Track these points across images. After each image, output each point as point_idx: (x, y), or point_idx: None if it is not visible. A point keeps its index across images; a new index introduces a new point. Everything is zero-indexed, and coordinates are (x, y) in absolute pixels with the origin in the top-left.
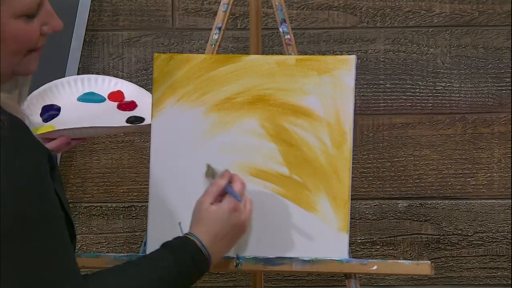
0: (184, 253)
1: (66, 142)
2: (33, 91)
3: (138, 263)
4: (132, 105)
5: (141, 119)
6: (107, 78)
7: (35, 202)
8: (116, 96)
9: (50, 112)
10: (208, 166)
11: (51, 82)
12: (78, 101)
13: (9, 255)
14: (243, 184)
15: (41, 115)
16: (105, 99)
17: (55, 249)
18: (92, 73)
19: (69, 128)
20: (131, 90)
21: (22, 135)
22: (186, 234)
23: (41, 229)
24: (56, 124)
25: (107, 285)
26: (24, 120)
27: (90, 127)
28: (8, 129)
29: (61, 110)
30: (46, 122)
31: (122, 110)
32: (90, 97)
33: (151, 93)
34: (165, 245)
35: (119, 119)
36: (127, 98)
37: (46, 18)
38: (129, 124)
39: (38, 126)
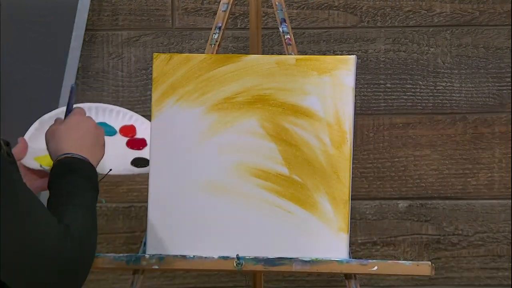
0: (81, 170)
1: None
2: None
3: (71, 201)
4: (141, 143)
5: (146, 162)
6: (122, 110)
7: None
8: (128, 130)
9: None
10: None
11: (64, 107)
12: None
13: None
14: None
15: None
16: (116, 132)
17: (31, 204)
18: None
19: None
20: (145, 128)
21: None
22: (61, 156)
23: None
24: None
25: (75, 220)
26: None
27: None
28: None
29: None
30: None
31: (130, 147)
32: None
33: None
34: (69, 172)
35: (125, 158)
36: (139, 134)
37: None
38: (132, 167)
39: (40, 154)
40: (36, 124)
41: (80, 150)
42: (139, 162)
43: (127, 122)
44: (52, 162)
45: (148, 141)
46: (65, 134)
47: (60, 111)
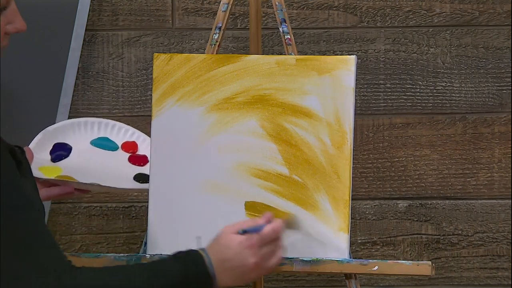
0: (192, 264)
1: (70, 191)
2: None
3: (142, 266)
4: (143, 160)
5: (148, 178)
6: (124, 127)
7: (4, 195)
8: (130, 146)
9: (60, 151)
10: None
11: (68, 120)
12: (91, 144)
13: None
14: (275, 232)
15: (51, 152)
16: (118, 147)
17: (33, 236)
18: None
19: (74, 182)
20: (146, 145)
21: None
22: (199, 249)
23: (14, 219)
24: (63, 166)
25: (96, 279)
26: None
27: (96, 184)
28: None
29: (72, 151)
30: (54, 162)
31: (132, 163)
32: (103, 143)
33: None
34: (176, 254)
35: (126, 174)
36: (140, 151)
37: (12, 17)
38: (135, 183)
39: (45, 164)
40: (39, 136)
41: (219, 268)
42: (141, 178)
43: (128, 138)
44: (56, 173)
45: (149, 158)
46: (225, 248)
47: (68, 123)
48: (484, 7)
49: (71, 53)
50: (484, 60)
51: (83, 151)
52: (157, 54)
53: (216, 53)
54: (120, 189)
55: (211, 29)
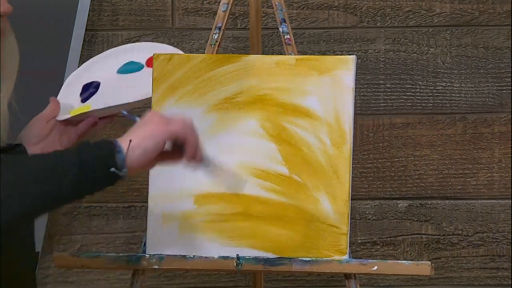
0: (91, 146)
1: (93, 121)
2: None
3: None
4: None
5: None
6: (144, 45)
7: None
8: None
9: (88, 90)
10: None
11: (90, 59)
12: (118, 73)
13: None
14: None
15: (80, 94)
16: (143, 66)
17: None
18: None
19: (89, 111)
20: (169, 50)
21: None
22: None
23: None
24: (92, 103)
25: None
26: None
27: (113, 106)
28: None
29: (100, 85)
30: (83, 102)
31: None
32: (129, 67)
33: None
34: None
35: (149, 84)
36: None
37: None
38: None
39: (75, 107)
40: (65, 82)
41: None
42: None
43: (149, 54)
44: (83, 111)
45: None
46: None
47: (90, 61)
48: (484, 7)
49: (71, 53)
50: (484, 60)
51: (111, 81)
52: (157, 54)
53: (216, 53)
54: (138, 101)
55: (211, 29)
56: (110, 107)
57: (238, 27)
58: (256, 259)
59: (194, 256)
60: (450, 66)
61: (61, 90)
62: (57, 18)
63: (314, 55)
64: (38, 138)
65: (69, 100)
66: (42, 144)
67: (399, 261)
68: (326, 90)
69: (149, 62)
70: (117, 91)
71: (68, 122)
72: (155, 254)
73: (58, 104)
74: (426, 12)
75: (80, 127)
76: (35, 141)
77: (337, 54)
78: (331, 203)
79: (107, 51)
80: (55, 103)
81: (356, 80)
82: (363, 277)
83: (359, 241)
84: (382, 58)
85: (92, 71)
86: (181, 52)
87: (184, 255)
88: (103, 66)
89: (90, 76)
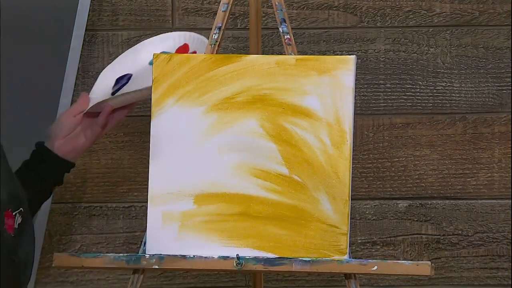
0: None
1: (107, 110)
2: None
3: None
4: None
5: None
6: (173, 35)
7: None
8: (182, 50)
9: (120, 83)
10: None
11: (124, 52)
12: (149, 64)
13: None
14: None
15: (113, 87)
16: None
17: None
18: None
19: (102, 101)
20: (198, 41)
21: None
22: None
23: None
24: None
25: None
26: None
27: (125, 93)
28: None
29: (132, 77)
30: (113, 95)
31: None
32: None
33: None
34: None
35: None
36: (191, 49)
37: None
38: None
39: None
40: (98, 80)
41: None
42: None
43: (178, 43)
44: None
45: (192, 49)
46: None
47: (123, 54)
48: (484, 7)
49: (71, 53)
50: (484, 60)
51: (143, 71)
52: (157, 54)
53: (216, 53)
54: (140, 90)
55: (211, 29)
56: (123, 94)
57: (238, 27)
58: (256, 259)
59: (194, 256)
60: (450, 66)
61: (94, 84)
62: (57, 18)
63: (314, 55)
64: (65, 132)
65: (102, 93)
66: (68, 138)
67: (399, 261)
68: (326, 90)
69: (178, 52)
70: (145, 81)
71: (91, 114)
72: (155, 254)
73: (87, 99)
74: (426, 12)
75: (100, 118)
76: (62, 135)
77: (337, 54)
78: (331, 203)
79: (139, 44)
80: (84, 98)
81: (356, 80)
82: (363, 277)
83: (359, 241)
84: (382, 58)
85: (122, 65)
86: (206, 40)
87: (184, 255)
88: (136, 59)
89: (122, 69)
